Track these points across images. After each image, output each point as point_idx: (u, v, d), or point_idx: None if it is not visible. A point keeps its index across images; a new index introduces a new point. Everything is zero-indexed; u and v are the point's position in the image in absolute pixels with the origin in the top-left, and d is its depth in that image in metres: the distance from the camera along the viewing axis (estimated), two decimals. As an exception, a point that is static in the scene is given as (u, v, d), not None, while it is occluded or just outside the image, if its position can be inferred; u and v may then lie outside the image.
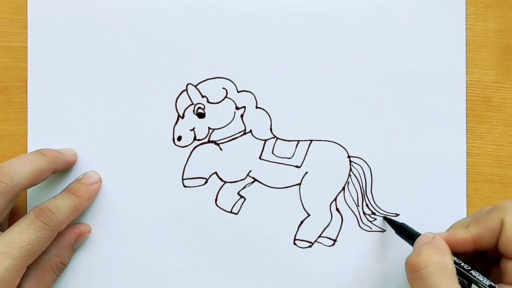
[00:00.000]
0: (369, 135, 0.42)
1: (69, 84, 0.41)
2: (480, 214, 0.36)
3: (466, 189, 0.42)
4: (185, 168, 0.41)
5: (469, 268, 0.34)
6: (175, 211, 0.41)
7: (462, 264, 0.34)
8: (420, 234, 0.36)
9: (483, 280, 0.33)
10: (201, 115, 0.41)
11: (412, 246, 0.36)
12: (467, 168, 0.42)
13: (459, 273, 0.33)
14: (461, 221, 0.37)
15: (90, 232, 0.41)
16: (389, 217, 0.41)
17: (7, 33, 0.41)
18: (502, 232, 0.34)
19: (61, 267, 0.39)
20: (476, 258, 0.36)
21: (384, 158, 0.42)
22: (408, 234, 0.38)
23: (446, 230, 0.36)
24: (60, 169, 0.40)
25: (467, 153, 0.42)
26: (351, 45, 0.42)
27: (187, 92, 0.41)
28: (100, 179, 0.41)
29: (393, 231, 0.40)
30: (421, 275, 0.32)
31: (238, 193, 0.41)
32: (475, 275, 0.33)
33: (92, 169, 0.41)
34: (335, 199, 0.42)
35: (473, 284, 0.33)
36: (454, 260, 0.34)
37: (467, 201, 0.42)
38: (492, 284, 0.33)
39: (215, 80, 0.41)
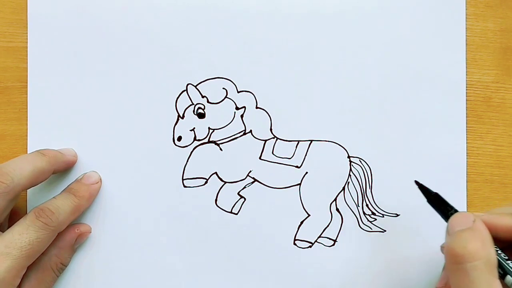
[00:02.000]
0: (369, 135, 0.42)
1: (69, 84, 0.41)
2: None
3: (466, 189, 0.42)
4: (185, 168, 0.41)
5: (507, 257, 0.33)
6: (175, 211, 0.41)
7: (499, 252, 0.33)
8: (457, 211, 0.35)
9: None
10: (201, 115, 0.41)
11: (446, 221, 0.34)
12: (467, 168, 0.42)
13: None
14: (503, 208, 0.35)
15: (90, 232, 0.41)
16: (420, 182, 0.37)
17: (7, 33, 0.41)
18: None
19: (61, 267, 0.39)
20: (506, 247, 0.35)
21: (384, 158, 0.41)
22: (441, 206, 0.36)
23: (485, 214, 0.34)
24: (60, 169, 0.40)
25: (467, 153, 0.42)
26: (351, 45, 0.42)
27: (187, 92, 0.41)
28: (100, 179, 0.41)
29: (394, 231, 0.40)
30: (465, 268, 0.31)
31: (238, 193, 0.41)
32: None
33: (92, 169, 0.41)
34: (335, 199, 0.42)
35: (508, 276, 0.32)
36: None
37: (467, 201, 0.42)
38: None
39: (215, 80, 0.41)
